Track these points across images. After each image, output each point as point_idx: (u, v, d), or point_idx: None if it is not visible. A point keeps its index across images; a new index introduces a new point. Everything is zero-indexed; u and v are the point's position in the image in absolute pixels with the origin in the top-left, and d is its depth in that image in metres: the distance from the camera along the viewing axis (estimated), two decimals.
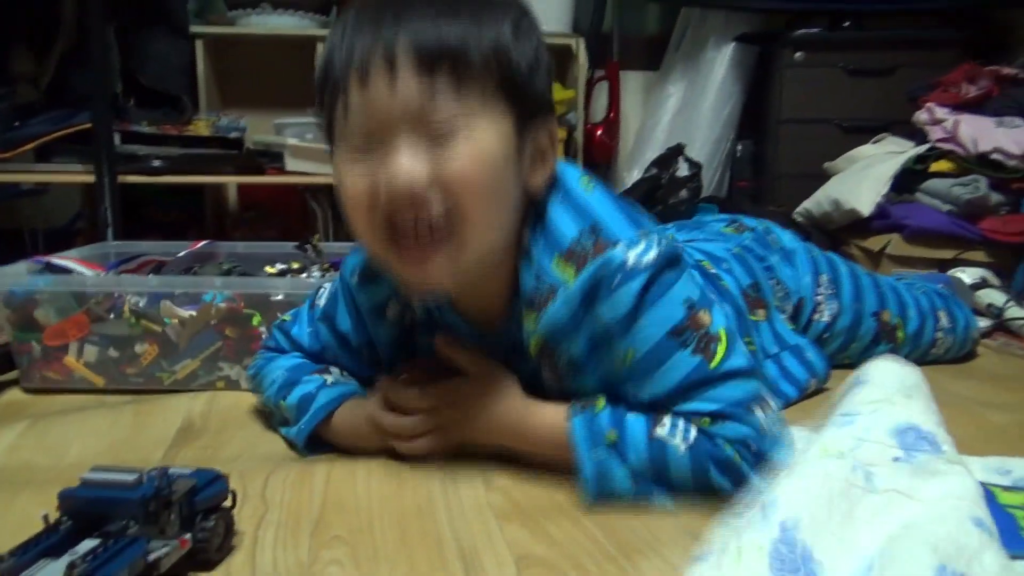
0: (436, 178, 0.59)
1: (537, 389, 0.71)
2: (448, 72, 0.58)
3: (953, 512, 0.43)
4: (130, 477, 0.49)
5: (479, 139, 0.60)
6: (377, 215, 0.61)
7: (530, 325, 0.67)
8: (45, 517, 0.49)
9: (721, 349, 0.64)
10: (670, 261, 0.64)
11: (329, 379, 0.77)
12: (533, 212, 0.67)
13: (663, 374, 0.63)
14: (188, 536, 0.51)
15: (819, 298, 0.99)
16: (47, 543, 0.48)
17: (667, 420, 0.64)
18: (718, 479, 0.62)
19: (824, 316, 0.99)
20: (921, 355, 1.06)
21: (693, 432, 0.63)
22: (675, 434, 0.63)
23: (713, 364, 0.63)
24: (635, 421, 0.64)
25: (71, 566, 0.44)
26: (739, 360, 0.65)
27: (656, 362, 0.63)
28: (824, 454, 0.51)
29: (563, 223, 0.65)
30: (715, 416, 0.62)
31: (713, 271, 0.87)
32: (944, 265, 1.52)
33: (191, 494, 0.52)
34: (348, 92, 0.60)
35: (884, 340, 1.03)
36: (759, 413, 0.63)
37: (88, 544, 0.48)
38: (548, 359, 0.69)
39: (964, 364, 1.10)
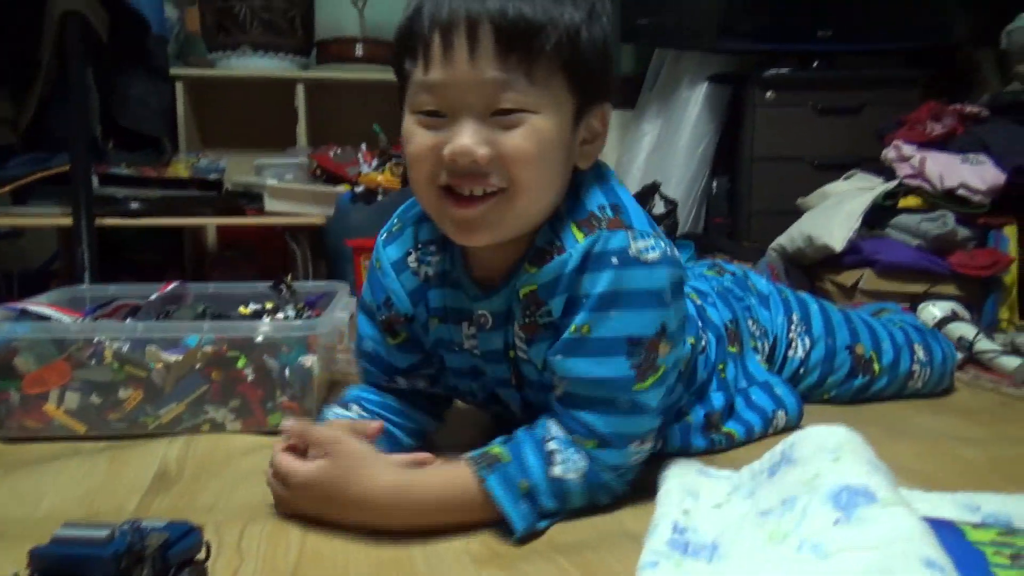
0: (497, 156, 0.63)
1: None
2: (524, 54, 0.62)
3: (901, 558, 0.44)
4: (102, 533, 0.49)
5: (541, 123, 0.64)
6: (437, 178, 0.66)
7: (529, 272, 0.70)
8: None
9: (651, 380, 0.68)
10: (675, 282, 0.69)
11: (329, 413, 0.80)
12: (572, 188, 0.72)
13: (595, 362, 0.67)
14: None
15: (792, 335, 1.02)
16: None
17: (559, 454, 0.67)
18: (600, 500, 0.70)
19: (798, 352, 1.02)
20: (899, 387, 1.08)
21: (583, 462, 0.68)
22: (569, 469, 0.67)
23: (636, 386, 0.68)
24: (535, 462, 0.67)
25: None
26: (655, 398, 0.69)
27: (598, 350, 0.67)
28: (771, 540, 0.53)
29: (590, 197, 0.71)
30: (603, 441, 0.68)
31: (699, 303, 0.91)
32: (915, 299, 1.55)
33: (164, 548, 0.51)
34: (429, 59, 0.64)
35: (861, 373, 1.05)
36: (638, 447, 0.70)
37: None
38: (531, 313, 0.71)
39: (936, 398, 1.12)
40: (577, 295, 0.68)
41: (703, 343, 0.86)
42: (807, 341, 1.03)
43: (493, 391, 0.83)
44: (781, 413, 0.92)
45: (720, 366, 0.89)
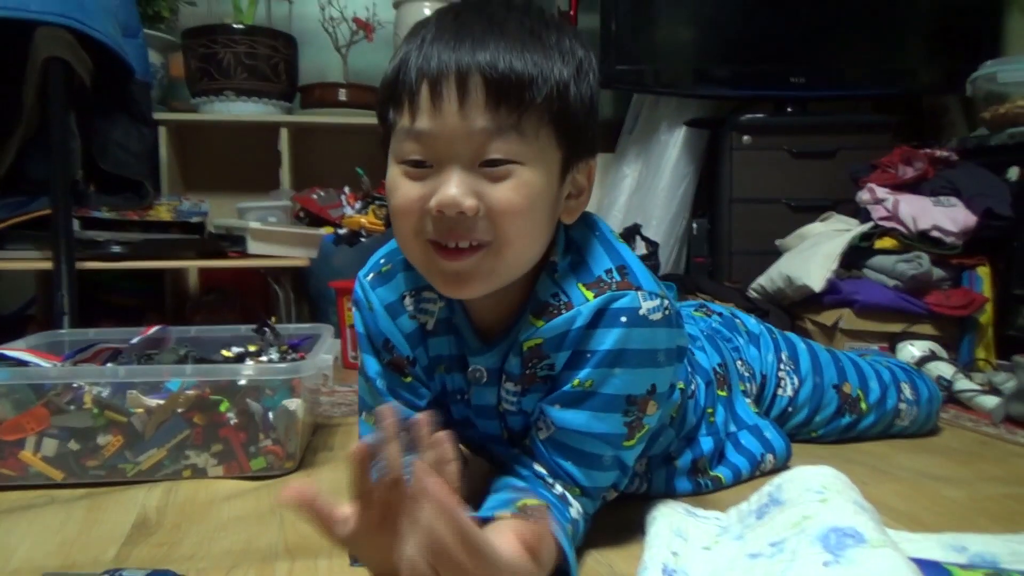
0: (484, 208, 0.62)
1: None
2: (514, 106, 0.61)
3: None
4: None
5: (528, 176, 0.63)
6: (423, 230, 0.64)
7: (534, 326, 0.69)
8: None
9: (637, 437, 0.70)
10: (679, 345, 0.70)
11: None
12: (565, 239, 0.72)
13: (594, 417, 0.68)
14: None
15: (781, 374, 1.04)
16: None
17: (568, 496, 0.68)
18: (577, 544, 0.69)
19: (787, 391, 1.03)
20: (886, 426, 1.09)
21: (580, 508, 0.69)
22: (578, 511, 0.69)
23: (625, 443, 0.69)
24: (561, 506, 0.67)
25: None
26: (633, 456, 0.72)
27: (599, 406, 0.68)
28: None
29: (596, 260, 0.70)
30: (585, 491, 0.70)
31: (688, 348, 0.91)
32: (894, 338, 1.58)
33: None
34: (417, 108, 0.63)
35: (848, 412, 1.06)
36: (609, 494, 0.73)
37: None
38: (532, 365, 0.71)
39: (919, 438, 1.13)
40: (582, 350, 0.67)
41: (692, 388, 0.86)
42: (795, 379, 1.04)
43: (483, 444, 0.82)
44: (769, 456, 0.93)
45: (709, 410, 0.89)
